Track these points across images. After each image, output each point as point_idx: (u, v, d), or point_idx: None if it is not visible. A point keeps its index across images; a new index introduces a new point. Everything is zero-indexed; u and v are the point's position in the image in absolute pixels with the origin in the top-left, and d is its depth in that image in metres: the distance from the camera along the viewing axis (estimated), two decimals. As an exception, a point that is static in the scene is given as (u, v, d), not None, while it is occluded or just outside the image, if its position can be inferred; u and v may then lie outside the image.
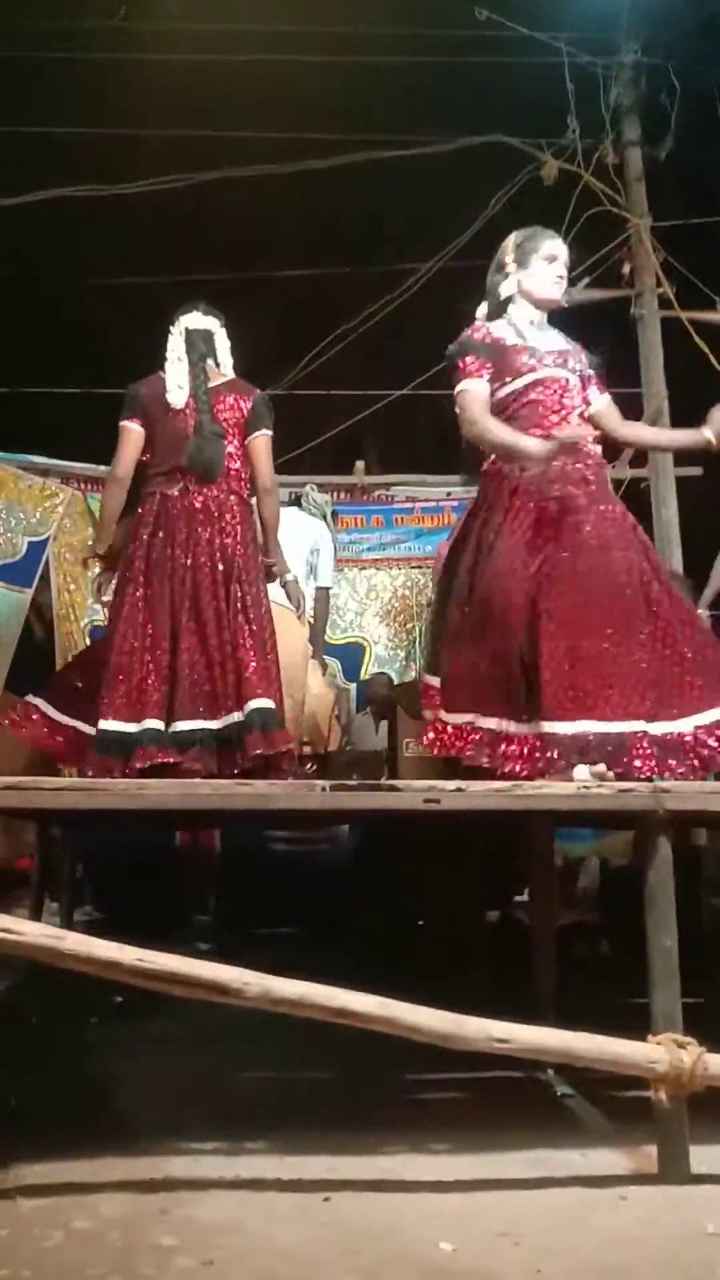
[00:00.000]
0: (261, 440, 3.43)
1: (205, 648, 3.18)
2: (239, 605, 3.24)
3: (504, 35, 7.29)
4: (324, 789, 2.50)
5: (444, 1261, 1.81)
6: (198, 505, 3.30)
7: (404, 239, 8.66)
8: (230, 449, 3.37)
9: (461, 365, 2.99)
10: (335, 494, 7.22)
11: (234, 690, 3.17)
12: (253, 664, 3.19)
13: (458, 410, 2.99)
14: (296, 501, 5.27)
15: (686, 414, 7.43)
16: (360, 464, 6.95)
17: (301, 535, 4.75)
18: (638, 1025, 2.28)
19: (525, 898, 4.59)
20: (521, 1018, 2.24)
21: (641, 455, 7.46)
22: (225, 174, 7.62)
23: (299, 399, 8.29)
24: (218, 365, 3.49)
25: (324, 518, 5.24)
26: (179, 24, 7.37)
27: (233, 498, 3.35)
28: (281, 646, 4.56)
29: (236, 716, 3.13)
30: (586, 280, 7.53)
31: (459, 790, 2.49)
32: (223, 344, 3.55)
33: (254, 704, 3.13)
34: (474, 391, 2.96)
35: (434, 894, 4.45)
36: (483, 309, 3.14)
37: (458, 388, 2.99)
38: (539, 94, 7.59)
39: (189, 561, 3.24)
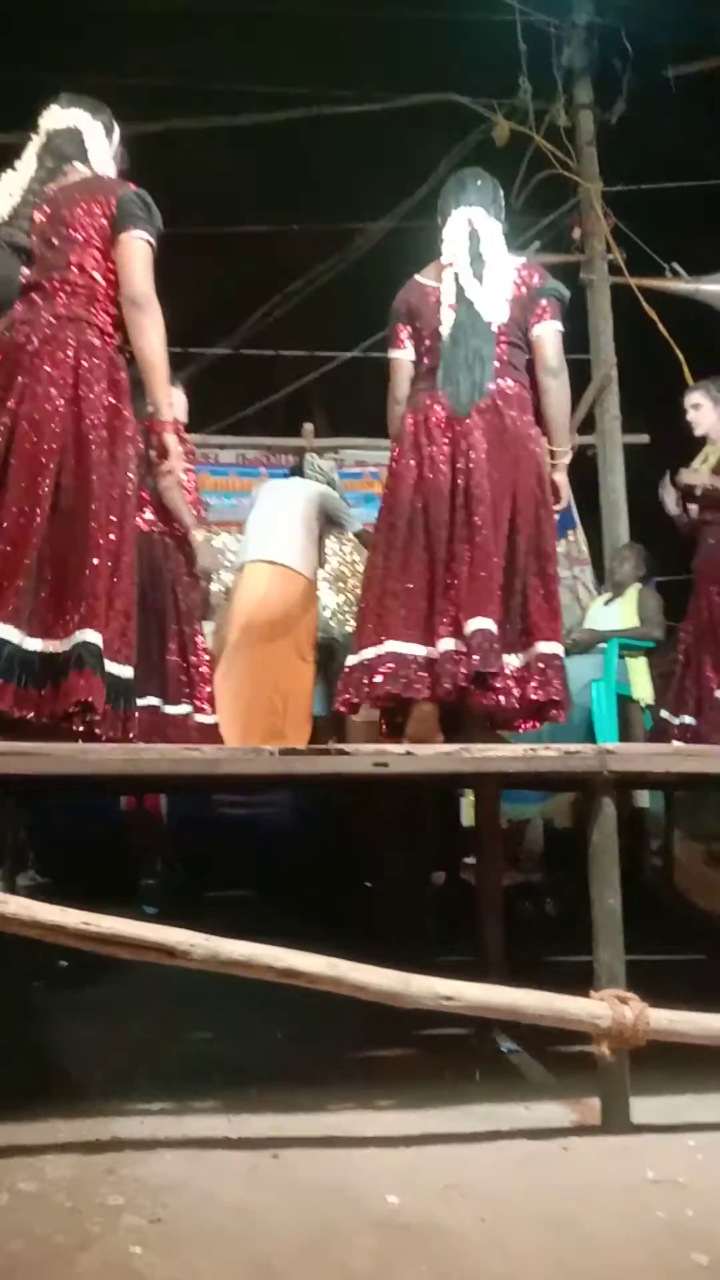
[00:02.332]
0: (131, 243, 2.67)
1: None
2: (89, 481, 2.56)
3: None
4: (273, 753, 2.49)
5: (391, 1214, 1.83)
6: (36, 342, 2.59)
7: (353, 197, 8.54)
8: (81, 261, 2.66)
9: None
10: (281, 457, 7.14)
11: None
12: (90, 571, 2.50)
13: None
14: (299, 470, 5.21)
15: (634, 382, 7.51)
16: (309, 426, 6.88)
17: (307, 500, 4.68)
18: (582, 982, 2.32)
19: (473, 860, 4.64)
20: (468, 976, 2.27)
21: (589, 422, 7.50)
22: (169, 125, 7.41)
23: (247, 359, 8.17)
24: (90, 166, 2.82)
25: (330, 484, 5.13)
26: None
27: (91, 331, 2.64)
28: (281, 602, 4.45)
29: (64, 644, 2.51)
30: (537, 244, 7.50)
31: (408, 754, 2.50)
32: (97, 140, 2.85)
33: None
34: None
35: (382, 856, 4.48)
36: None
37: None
38: (491, 53, 7.50)
39: (21, 415, 2.55)
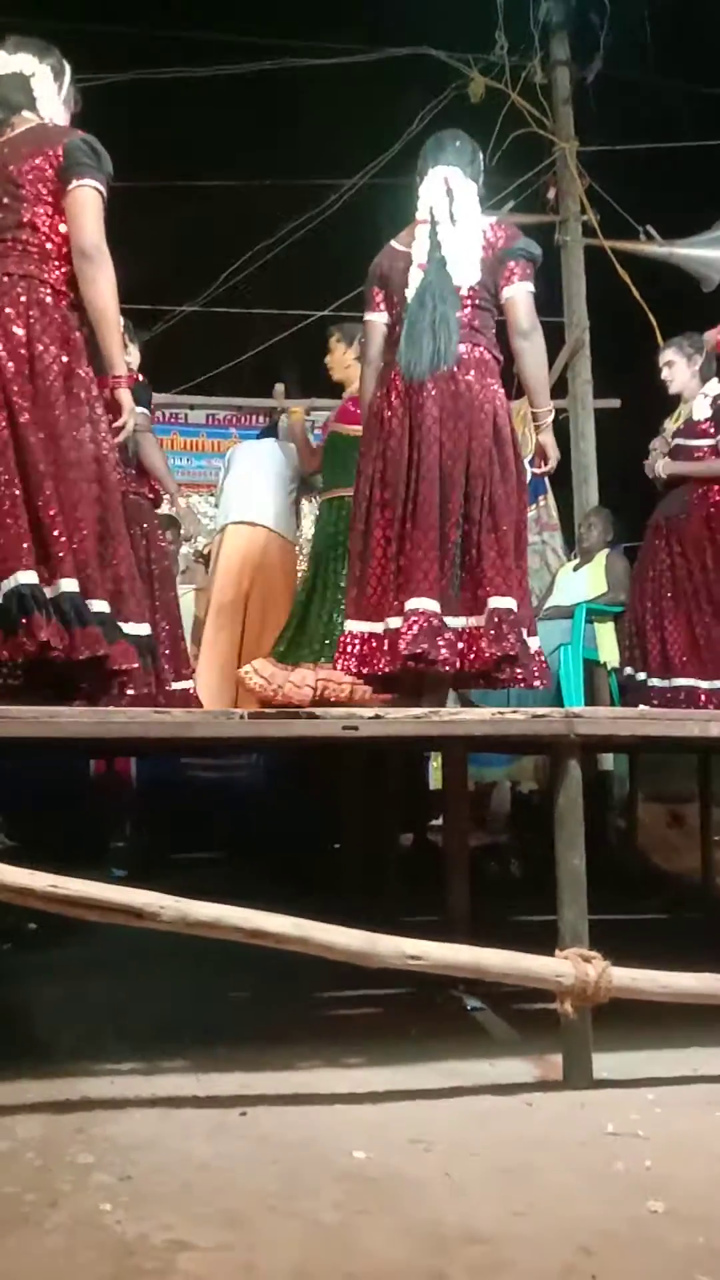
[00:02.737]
0: (79, 193, 2.59)
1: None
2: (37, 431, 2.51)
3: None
4: (242, 716, 2.49)
5: (358, 1167, 1.86)
6: None
7: (326, 153, 8.39)
8: (34, 219, 2.59)
9: None
10: (252, 417, 7.06)
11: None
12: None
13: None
14: (271, 431, 5.16)
15: (607, 344, 7.48)
16: (280, 386, 6.79)
17: (282, 461, 4.66)
18: (546, 941, 2.35)
19: (440, 821, 4.69)
20: (435, 935, 2.29)
21: (560, 386, 7.48)
22: (136, 75, 7.24)
23: (217, 317, 8.05)
24: (38, 114, 2.72)
25: None
26: None
27: (43, 289, 2.58)
28: (263, 562, 4.45)
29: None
30: (511, 204, 7.42)
31: (377, 717, 2.51)
32: (45, 85, 2.75)
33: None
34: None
35: (350, 818, 4.51)
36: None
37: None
38: (467, 7, 7.36)
39: None
